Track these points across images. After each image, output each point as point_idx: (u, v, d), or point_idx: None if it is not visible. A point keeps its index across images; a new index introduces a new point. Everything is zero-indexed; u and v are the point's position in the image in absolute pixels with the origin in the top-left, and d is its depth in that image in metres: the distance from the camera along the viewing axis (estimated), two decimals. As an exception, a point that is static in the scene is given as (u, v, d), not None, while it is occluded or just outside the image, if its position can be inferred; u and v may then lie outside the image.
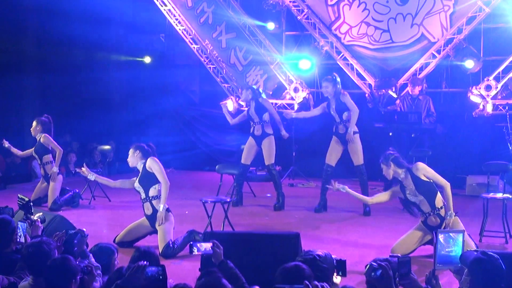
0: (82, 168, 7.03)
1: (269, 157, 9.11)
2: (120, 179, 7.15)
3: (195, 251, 4.29)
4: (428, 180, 6.26)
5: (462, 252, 4.30)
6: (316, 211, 8.84)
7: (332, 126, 8.90)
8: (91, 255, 4.55)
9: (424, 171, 6.28)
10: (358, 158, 8.74)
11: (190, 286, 3.63)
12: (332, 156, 8.84)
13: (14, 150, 9.36)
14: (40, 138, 8.99)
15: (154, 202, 6.75)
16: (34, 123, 9.06)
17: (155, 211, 6.73)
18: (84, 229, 4.66)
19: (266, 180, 10.83)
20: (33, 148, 9.13)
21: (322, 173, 8.94)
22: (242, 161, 9.28)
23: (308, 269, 3.70)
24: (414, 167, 6.31)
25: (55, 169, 8.92)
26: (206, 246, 4.29)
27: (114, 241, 6.74)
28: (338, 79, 8.76)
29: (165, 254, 6.42)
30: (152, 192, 6.75)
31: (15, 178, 11.54)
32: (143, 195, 6.80)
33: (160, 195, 6.73)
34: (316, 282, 3.30)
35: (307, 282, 3.26)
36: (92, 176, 6.99)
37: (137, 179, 6.81)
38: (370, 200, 6.94)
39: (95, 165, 12.45)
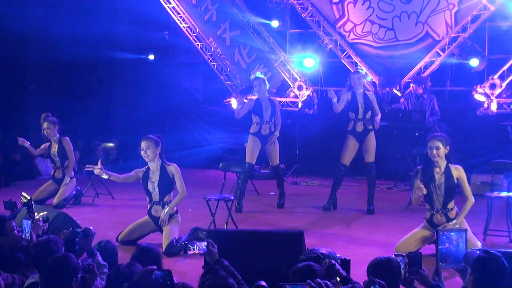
0: (95, 166, 6.68)
1: (276, 157, 9.05)
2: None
3: (190, 251, 4.29)
4: (455, 183, 6.24)
5: (465, 251, 4.29)
6: (324, 209, 8.80)
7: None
8: (98, 253, 4.54)
9: (460, 174, 6.26)
10: (370, 155, 8.71)
11: (190, 286, 3.63)
12: (348, 155, 8.74)
13: (31, 150, 9.25)
14: (63, 142, 9.02)
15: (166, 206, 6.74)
16: (46, 124, 9.01)
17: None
18: (91, 228, 4.65)
19: (270, 178, 10.82)
20: (54, 150, 9.08)
21: (335, 171, 8.85)
22: (248, 160, 9.05)
23: (320, 268, 3.69)
24: (453, 165, 6.29)
25: (68, 179, 8.97)
26: (202, 245, 4.29)
27: (117, 239, 6.74)
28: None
29: (169, 252, 6.40)
30: (167, 198, 6.75)
31: (18, 176, 11.52)
32: (156, 198, 6.76)
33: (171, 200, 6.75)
34: (319, 280, 3.29)
35: (310, 281, 3.26)
36: (106, 175, 6.75)
37: (155, 182, 6.73)
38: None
39: (97, 161, 12.46)
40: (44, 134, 9.09)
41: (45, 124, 9.03)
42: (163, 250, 6.39)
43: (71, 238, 4.52)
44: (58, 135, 9.11)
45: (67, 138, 9.11)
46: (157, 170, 6.75)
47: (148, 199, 6.84)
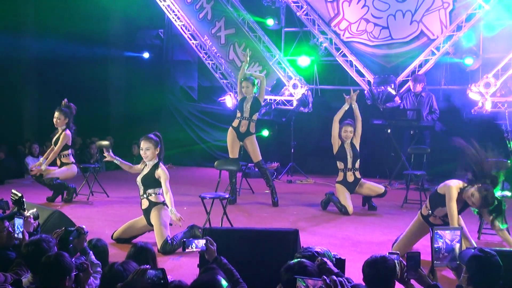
0: (106, 153, 7.01)
1: (255, 155, 9.13)
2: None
3: (189, 248, 4.28)
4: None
5: (460, 250, 4.30)
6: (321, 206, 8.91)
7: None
8: (91, 252, 4.53)
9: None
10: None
11: (186, 284, 3.62)
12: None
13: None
14: (62, 133, 8.97)
15: (150, 197, 6.71)
16: (57, 114, 8.98)
17: (151, 205, 6.70)
18: (84, 226, 4.64)
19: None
20: (54, 139, 9.07)
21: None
22: (230, 156, 9.18)
23: (312, 265, 3.69)
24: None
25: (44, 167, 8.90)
26: (200, 243, 4.28)
27: (112, 237, 6.73)
28: None
29: (164, 250, 6.39)
30: (151, 191, 6.73)
31: (5, 174, 11.44)
32: (141, 192, 6.79)
33: (158, 193, 6.70)
34: (334, 277, 3.31)
35: (325, 277, 3.27)
36: (117, 161, 6.99)
37: (141, 176, 6.76)
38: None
39: (92, 159, 12.44)
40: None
41: (56, 114, 9.02)
42: (158, 248, 6.37)
43: (65, 237, 4.50)
44: (65, 127, 9.06)
45: (69, 133, 9.02)
46: (149, 167, 6.76)
47: None
